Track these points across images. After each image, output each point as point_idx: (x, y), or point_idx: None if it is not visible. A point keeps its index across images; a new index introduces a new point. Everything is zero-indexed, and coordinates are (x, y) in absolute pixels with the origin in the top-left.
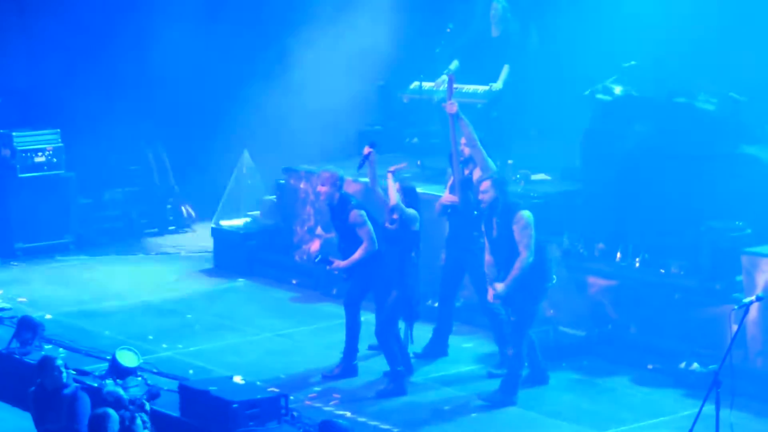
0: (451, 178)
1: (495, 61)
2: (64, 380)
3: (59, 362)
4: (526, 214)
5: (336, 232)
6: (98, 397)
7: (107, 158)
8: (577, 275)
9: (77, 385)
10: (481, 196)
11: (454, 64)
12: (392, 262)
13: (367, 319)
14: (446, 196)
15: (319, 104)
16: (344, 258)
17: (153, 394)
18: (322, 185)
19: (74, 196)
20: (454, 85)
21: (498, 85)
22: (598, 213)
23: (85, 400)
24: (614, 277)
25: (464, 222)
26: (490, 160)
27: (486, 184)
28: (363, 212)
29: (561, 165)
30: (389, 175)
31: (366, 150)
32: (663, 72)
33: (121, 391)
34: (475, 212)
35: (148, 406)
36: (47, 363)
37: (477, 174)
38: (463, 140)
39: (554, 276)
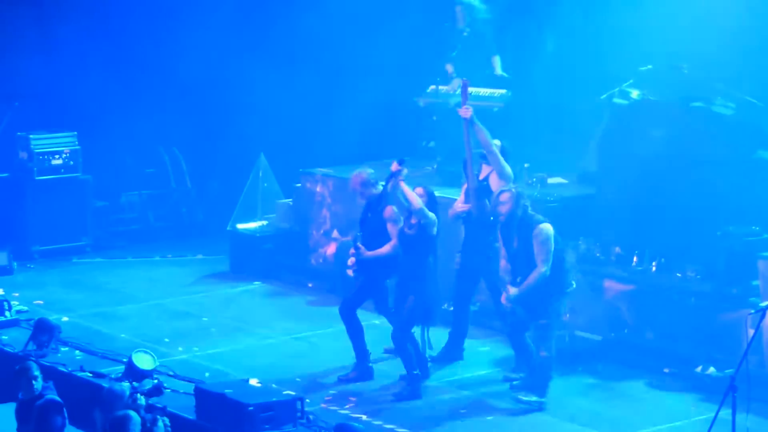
0: (465, 185)
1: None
2: (37, 390)
3: (35, 371)
4: (545, 228)
5: (362, 228)
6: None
7: (124, 161)
8: (594, 279)
9: (51, 396)
10: (499, 208)
11: (449, 68)
12: (410, 267)
13: (376, 323)
14: (459, 205)
15: (335, 108)
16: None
17: (156, 388)
18: (359, 186)
19: (91, 198)
20: (469, 89)
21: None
22: (614, 217)
23: (55, 412)
24: (630, 282)
25: (480, 227)
26: (507, 165)
27: (505, 196)
28: (397, 210)
29: (577, 169)
30: (401, 180)
31: (394, 167)
32: (680, 76)
33: (126, 389)
34: (491, 218)
35: (143, 401)
36: (20, 371)
37: (494, 179)
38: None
39: (573, 282)
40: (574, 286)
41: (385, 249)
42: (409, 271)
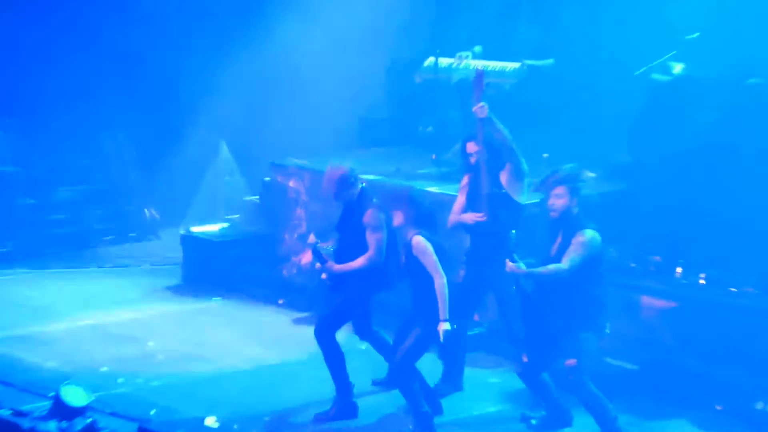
0: (464, 187)
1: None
2: None
3: None
4: (590, 233)
5: (339, 234)
6: None
7: (57, 151)
8: (627, 295)
9: None
10: (552, 201)
11: (478, 49)
12: (415, 296)
13: (362, 348)
14: (468, 216)
15: (312, 87)
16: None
17: (89, 429)
18: (335, 185)
19: (17, 195)
20: (477, 63)
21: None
22: (652, 218)
23: None
24: (673, 298)
25: (491, 239)
26: (523, 160)
27: (560, 189)
28: (382, 216)
29: (607, 160)
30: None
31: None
32: (734, 46)
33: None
34: (513, 231)
35: None
36: None
37: (505, 178)
38: (472, 147)
39: (608, 326)
40: (608, 331)
41: (359, 262)
42: (418, 296)
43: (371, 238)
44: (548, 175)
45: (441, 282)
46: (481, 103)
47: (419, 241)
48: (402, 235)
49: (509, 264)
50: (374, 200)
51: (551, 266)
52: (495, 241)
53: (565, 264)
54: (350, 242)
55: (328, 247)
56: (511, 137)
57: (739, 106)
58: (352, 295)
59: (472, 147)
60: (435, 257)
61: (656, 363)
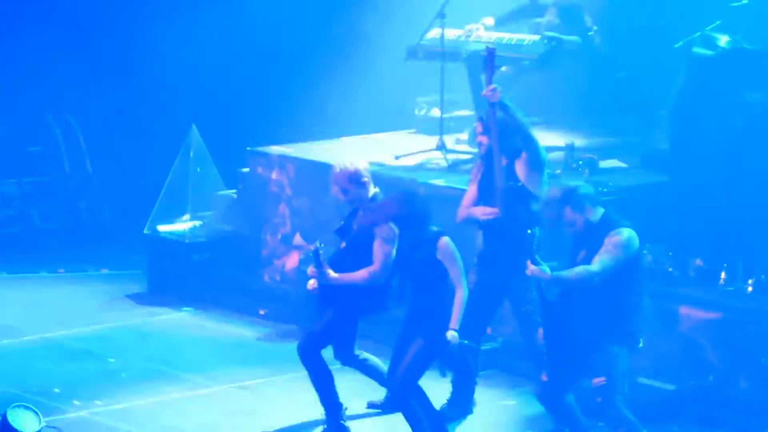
0: (475, 177)
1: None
2: None
3: None
4: (627, 233)
5: (340, 239)
6: None
7: None
8: (665, 304)
9: None
10: (569, 226)
11: (490, 21)
12: (415, 302)
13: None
14: (479, 210)
15: (297, 63)
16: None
17: None
18: (346, 183)
19: None
20: (491, 34)
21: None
22: (693, 216)
23: None
24: (717, 308)
25: (508, 239)
26: (542, 148)
27: (568, 211)
28: (394, 229)
29: (642, 147)
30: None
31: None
32: None
33: None
34: (529, 231)
35: None
36: None
37: (521, 169)
38: (479, 127)
39: (641, 340)
40: (642, 344)
41: (360, 275)
42: (421, 303)
43: (379, 251)
44: (551, 199)
45: (462, 293)
46: (493, 85)
47: (448, 243)
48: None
49: (531, 267)
50: None
51: (579, 269)
52: (512, 242)
53: (595, 266)
54: (352, 251)
55: (311, 249)
56: (528, 122)
57: None
58: (346, 310)
59: (479, 128)
60: (461, 265)
61: (697, 384)
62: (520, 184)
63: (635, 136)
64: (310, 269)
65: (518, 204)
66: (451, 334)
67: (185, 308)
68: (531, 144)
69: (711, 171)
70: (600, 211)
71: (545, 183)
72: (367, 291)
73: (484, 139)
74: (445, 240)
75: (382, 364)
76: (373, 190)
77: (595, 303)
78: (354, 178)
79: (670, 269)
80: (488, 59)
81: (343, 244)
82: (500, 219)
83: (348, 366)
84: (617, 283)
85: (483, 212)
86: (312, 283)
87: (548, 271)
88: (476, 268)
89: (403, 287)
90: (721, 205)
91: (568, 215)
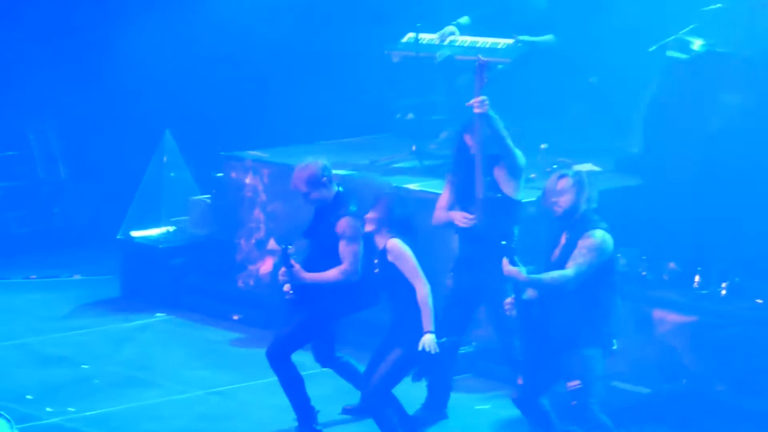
0: (447, 186)
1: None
2: None
3: None
4: (600, 235)
5: (309, 241)
6: None
7: None
8: (639, 308)
9: None
10: (555, 199)
11: (464, 20)
12: (394, 311)
13: (326, 369)
14: (460, 215)
15: (272, 66)
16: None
17: None
18: (305, 184)
19: None
20: (461, 38)
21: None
22: (667, 219)
23: None
24: (691, 311)
25: (485, 244)
26: (519, 153)
27: (564, 182)
28: (360, 226)
29: (615, 151)
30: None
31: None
32: (763, 18)
33: None
34: (504, 242)
35: None
36: None
37: (499, 174)
38: (467, 139)
39: (615, 341)
40: (616, 347)
41: (332, 274)
42: (397, 311)
43: (346, 251)
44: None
45: (424, 290)
46: (482, 97)
47: (395, 244)
48: (375, 242)
49: (508, 266)
50: (352, 207)
51: (555, 273)
52: (489, 248)
53: (570, 271)
54: (320, 252)
55: (291, 251)
56: (508, 134)
57: None
58: (318, 312)
59: (470, 140)
60: (415, 262)
61: (673, 387)
62: (500, 195)
63: (609, 140)
64: (281, 271)
65: (498, 214)
66: (427, 339)
67: (159, 314)
68: (510, 153)
69: (685, 174)
70: (592, 206)
71: (522, 187)
72: (342, 290)
73: (472, 146)
74: (392, 242)
75: (362, 369)
76: (335, 189)
77: (569, 305)
78: (312, 180)
79: (644, 273)
80: (479, 71)
81: (307, 245)
82: (478, 226)
83: (328, 368)
84: (591, 286)
85: (461, 218)
86: (287, 287)
87: (525, 272)
88: (453, 272)
89: (374, 287)
90: (695, 209)
91: (563, 188)
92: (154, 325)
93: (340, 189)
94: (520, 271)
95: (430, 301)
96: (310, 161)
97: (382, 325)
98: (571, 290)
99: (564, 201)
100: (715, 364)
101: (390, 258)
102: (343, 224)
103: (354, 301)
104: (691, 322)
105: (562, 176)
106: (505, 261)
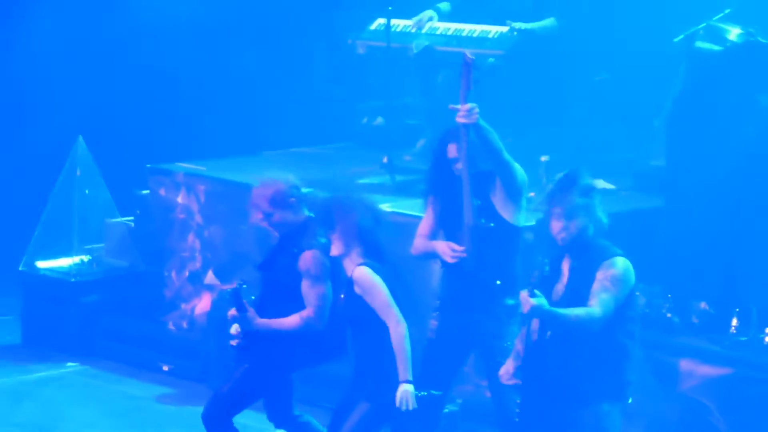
0: (430, 209)
1: None
2: None
3: None
4: (622, 264)
5: (263, 276)
6: None
7: None
8: (661, 357)
9: None
10: (559, 223)
11: (445, 6)
12: (359, 355)
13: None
14: (445, 246)
15: (206, 63)
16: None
17: None
18: (268, 205)
19: None
20: (443, 25)
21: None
22: (696, 249)
23: None
24: (726, 363)
25: (475, 282)
26: (519, 168)
27: (571, 205)
28: (325, 261)
29: (633, 165)
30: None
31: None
32: None
33: None
34: (498, 282)
35: None
36: None
37: (496, 198)
38: (452, 150)
39: (630, 398)
40: (631, 401)
41: (292, 321)
42: (362, 357)
43: (310, 293)
44: (554, 187)
45: (399, 330)
46: (470, 105)
47: (363, 273)
48: (341, 269)
49: (526, 299)
50: (321, 239)
51: (580, 310)
52: (481, 282)
53: (597, 309)
54: (276, 291)
55: (231, 288)
56: (503, 146)
57: None
58: (268, 364)
59: (454, 152)
60: (388, 295)
61: None
62: (492, 224)
63: (624, 151)
64: (231, 313)
65: (491, 243)
66: (404, 390)
67: (69, 363)
68: (507, 169)
69: (717, 192)
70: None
71: (523, 210)
72: (301, 339)
73: (454, 154)
74: (360, 270)
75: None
76: (304, 214)
77: (584, 348)
78: (277, 199)
79: (669, 315)
80: (465, 71)
81: (260, 280)
82: (467, 260)
83: (283, 430)
84: (609, 324)
85: (448, 251)
86: (235, 329)
87: (546, 305)
88: (438, 312)
89: (344, 334)
90: (731, 236)
91: (569, 211)
92: (62, 378)
93: (311, 215)
94: (539, 303)
95: (406, 343)
96: (277, 177)
97: (343, 377)
98: (595, 332)
99: (572, 227)
100: (753, 428)
101: (357, 290)
102: (308, 259)
103: (316, 351)
104: (724, 376)
105: (566, 196)
106: (523, 294)
